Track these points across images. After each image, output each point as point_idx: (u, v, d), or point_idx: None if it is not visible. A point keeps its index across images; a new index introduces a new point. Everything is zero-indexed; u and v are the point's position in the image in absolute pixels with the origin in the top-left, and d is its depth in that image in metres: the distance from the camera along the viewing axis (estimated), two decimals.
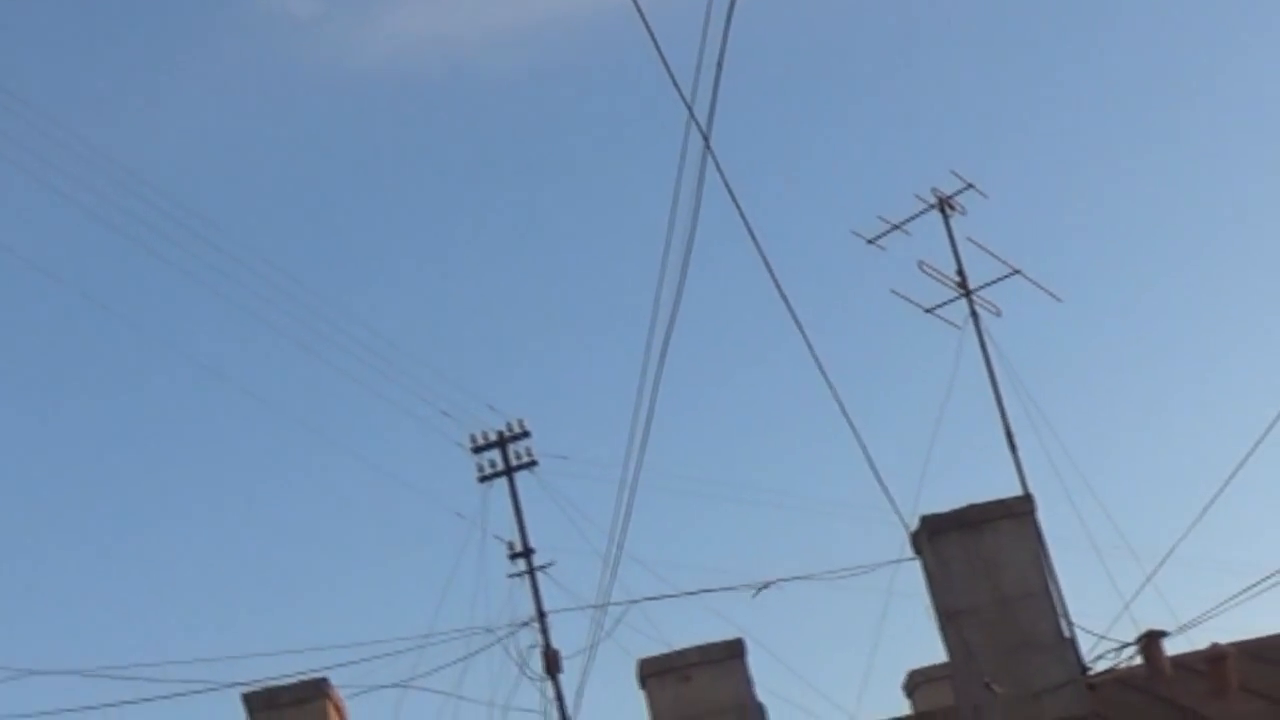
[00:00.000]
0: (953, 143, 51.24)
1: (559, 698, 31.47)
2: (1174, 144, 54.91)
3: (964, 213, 23.91)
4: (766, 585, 23.46)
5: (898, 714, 20.07)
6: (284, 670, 21.53)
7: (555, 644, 32.11)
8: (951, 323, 23.52)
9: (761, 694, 18.91)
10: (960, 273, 23.74)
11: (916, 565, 18.50)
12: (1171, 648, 18.55)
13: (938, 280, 23.63)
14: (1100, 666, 18.52)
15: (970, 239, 23.78)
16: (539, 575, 32.80)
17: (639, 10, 13.05)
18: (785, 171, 53.03)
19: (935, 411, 23.39)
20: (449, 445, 34.10)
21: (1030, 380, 23.19)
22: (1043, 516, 18.55)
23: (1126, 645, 18.53)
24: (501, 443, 33.88)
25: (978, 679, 17.24)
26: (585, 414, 49.78)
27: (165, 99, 56.19)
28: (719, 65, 13.59)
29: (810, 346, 15.53)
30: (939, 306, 23.63)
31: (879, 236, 23.54)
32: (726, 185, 14.47)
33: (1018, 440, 22.45)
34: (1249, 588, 19.42)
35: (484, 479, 33.73)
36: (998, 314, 23.71)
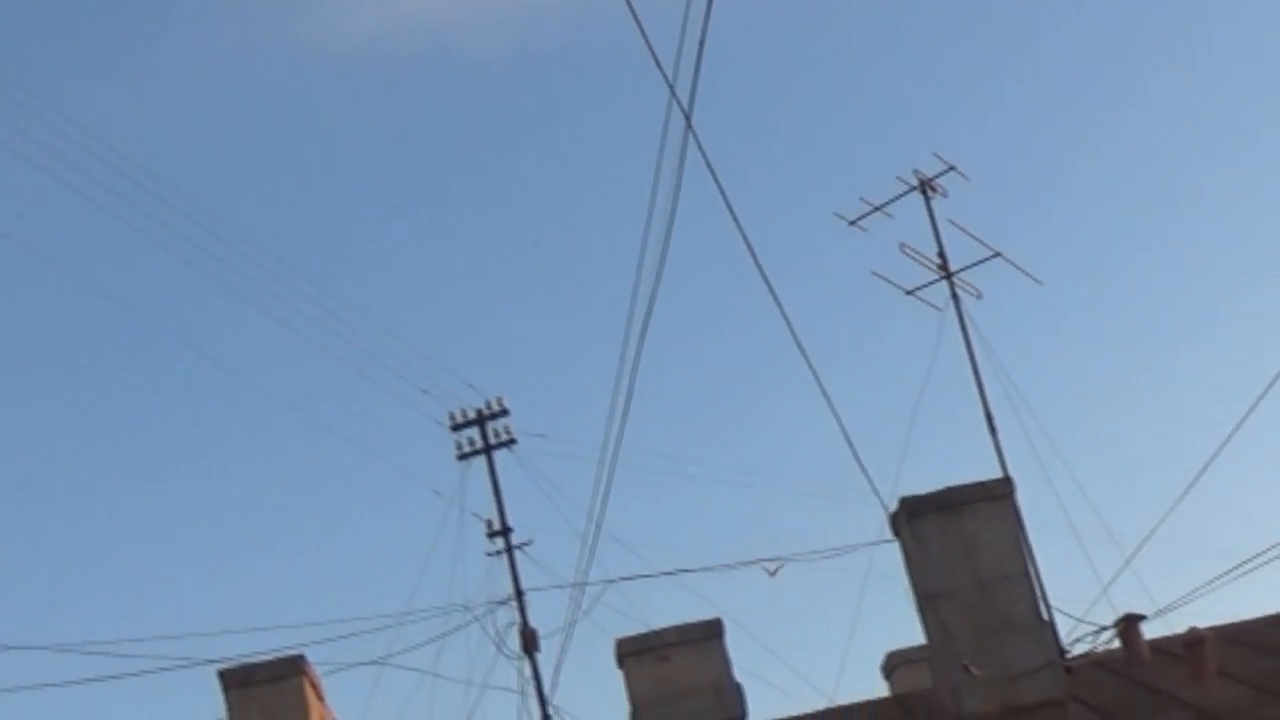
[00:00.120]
0: (935, 125, 51.31)
1: (536, 676, 31.45)
2: (1155, 128, 54.97)
3: (945, 195, 23.89)
4: (780, 567, 23.50)
5: (875, 695, 20.07)
6: (260, 647, 21.48)
7: (533, 623, 32.10)
8: (932, 305, 23.51)
9: (739, 674, 18.91)
10: (941, 255, 23.72)
11: (895, 547, 18.51)
12: (1149, 632, 18.59)
13: (919, 262, 23.62)
14: (1078, 650, 18.55)
15: (951, 221, 23.77)
16: (517, 554, 32.79)
17: None
18: (767, 152, 53.04)
19: (915, 393, 23.39)
20: (428, 423, 34.07)
21: (1010, 363, 23.20)
22: (1022, 499, 18.58)
23: (1104, 628, 18.55)
24: (480, 421, 33.84)
25: (956, 661, 17.24)
26: (564, 393, 49.81)
27: (151, 77, 56.09)
28: (701, 45, 13.54)
29: (790, 327, 15.48)
30: (920, 289, 23.62)
31: (860, 218, 23.51)
32: (708, 165, 14.42)
33: (997, 423, 22.47)
34: (1227, 572, 19.44)
35: (462, 457, 33.70)
36: (978, 296, 23.71)
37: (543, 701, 31.04)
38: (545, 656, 31.60)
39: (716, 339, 53.71)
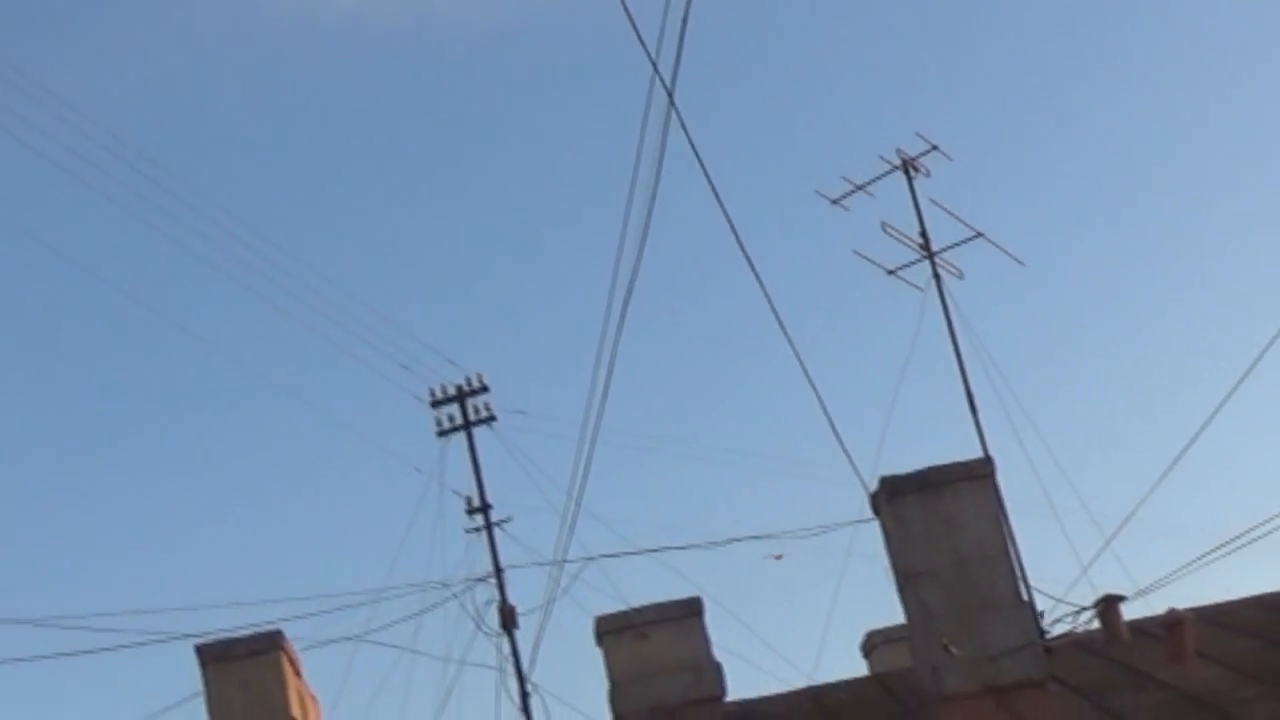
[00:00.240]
0: (918, 104, 51.29)
1: (515, 654, 31.44)
2: (1139, 110, 54.96)
3: (928, 175, 23.86)
4: (783, 554, 23.54)
5: (855, 674, 20.07)
6: (238, 622, 21.42)
7: (512, 600, 32.08)
8: (914, 285, 23.49)
9: (719, 653, 18.88)
10: (923, 235, 23.70)
11: (875, 526, 18.47)
12: (1129, 612, 18.59)
13: (901, 242, 23.59)
14: (1058, 630, 18.55)
15: (934, 201, 23.75)
16: (496, 531, 32.76)
17: None
18: (750, 130, 52.99)
19: (896, 373, 23.38)
20: (407, 399, 34.01)
21: (992, 343, 23.20)
22: (1002, 479, 18.55)
23: (1084, 609, 18.55)
24: (460, 397, 33.79)
25: (935, 640, 17.22)
26: (545, 370, 49.78)
27: (126, 48, 55.82)
28: (684, 20, 13.48)
29: (772, 305, 15.42)
30: (901, 268, 23.60)
31: (843, 197, 23.47)
32: (690, 141, 14.36)
33: (978, 403, 22.46)
34: (1207, 553, 19.45)
35: (442, 433, 33.64)
36: (960, 276, 23.69)
37: (521, 679, 31.04)
38: (524, 634, 31.60)
39: (698, 317, 53.70)
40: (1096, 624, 18.46)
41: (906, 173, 23.71)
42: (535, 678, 30.80)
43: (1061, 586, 19.57)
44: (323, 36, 55.68)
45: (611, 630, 18.95)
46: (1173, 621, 17.60)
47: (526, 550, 32.64)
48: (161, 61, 55.49)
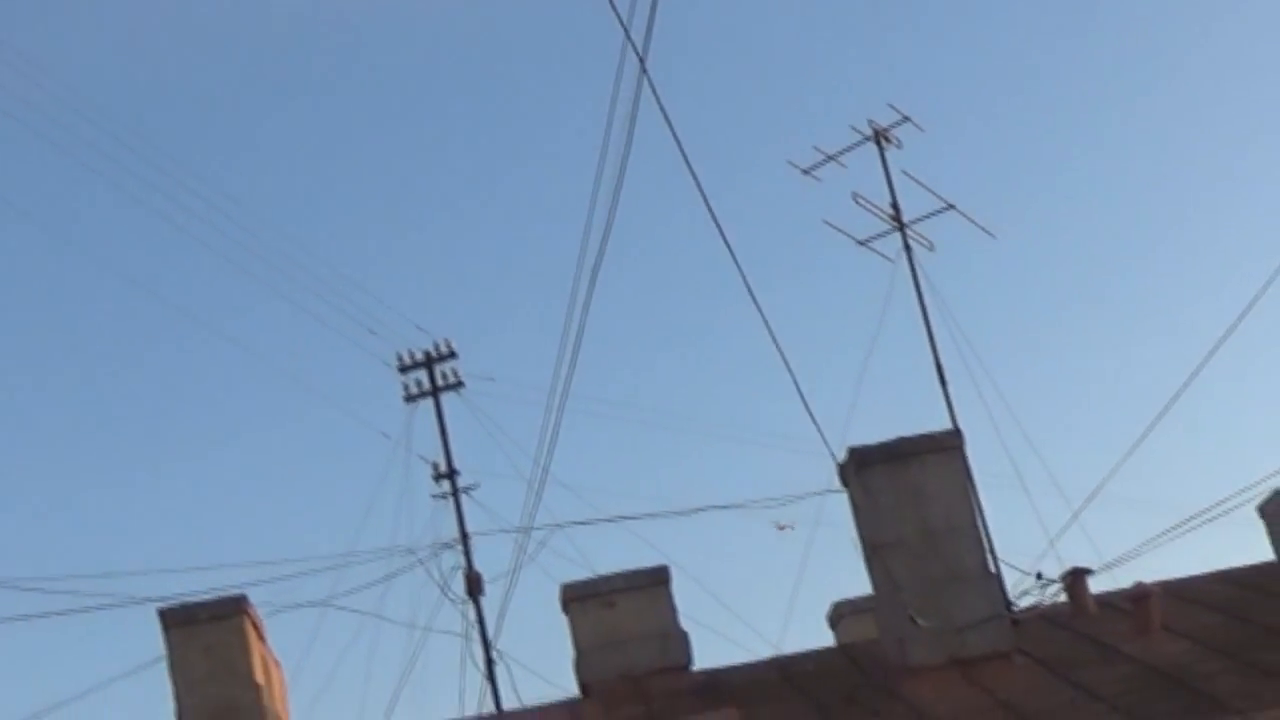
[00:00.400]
0: (890, 75, 51.22)
1: (480, 620, 31.43)
2: (1111, 81, 54.97)
3: (900, 146, 23.84)
4: (785, 526, 23.54)
5: (822, 645, 20.05)
6: (201, 586, 21.34)
7: (478, 566, 32.06)
8: (884, 256, 23.50)
9: (685, 622, 18.85)
10: (894, 206, 23.69)
11: (843, 497, 18.45)
12: (1096, 586, 18.62)
13: (871, 213, 23.58)
14: (1025, 602, 18.58)
15: (905, 172, 23.73)
16: (463, 497, 32.74)
17: None
18: (721, 98, 52.88)
19: (866, 344, 23.40)
20: (375, 364, 33.95)
21: (962, 316, 23.21)
22: (971, 451, 18.57)
23: (1051, 582, 18.57)
24: (428, 363, 33.73)
25: (902, 612, 17.22)
26: (514, 337, 49.68)
27: (96, 14, 55.51)
28: None
29: (742, 274, 15.36)
30: (872, 239, 23.60)
31: (814, 167, 23.46)
32: (662, 109, 14.30)
33: (948, 375, 22.48)
34: (1173, 528, 19.49)
35: (410, 399, 33.57)
36: (931, 249, 23.69)
37: (486, 645, 31.03)
38: (490, 601, 31.59)
39: (668, 285, 53.65)
40: (1063, 597, 18.48)
41: (878, 143, 23.69)
42: (500, 645, 30.82)
43: (1029, 559, 19.62)
44: (292, 3, 55.44)
45: (578, 598, 18.90)
46: (1139, 595, 17.62)
47: (493, 517, 32.64)
48: (117, 13, 55.19)
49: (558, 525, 28.21)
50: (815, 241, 48.47)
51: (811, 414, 16.72)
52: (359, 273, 60.71)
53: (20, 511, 48.88)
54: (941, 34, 54.93)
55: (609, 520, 27.02)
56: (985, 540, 18.15)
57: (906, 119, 23.71)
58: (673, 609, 18.84)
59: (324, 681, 36.92)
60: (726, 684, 17.95)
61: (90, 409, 54.00)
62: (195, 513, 50.37)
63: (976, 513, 18.13)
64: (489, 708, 29.68)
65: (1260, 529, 21.12)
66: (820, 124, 52.90)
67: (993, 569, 18.00)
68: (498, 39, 56.62)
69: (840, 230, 23.36)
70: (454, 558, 32.01)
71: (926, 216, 23.68)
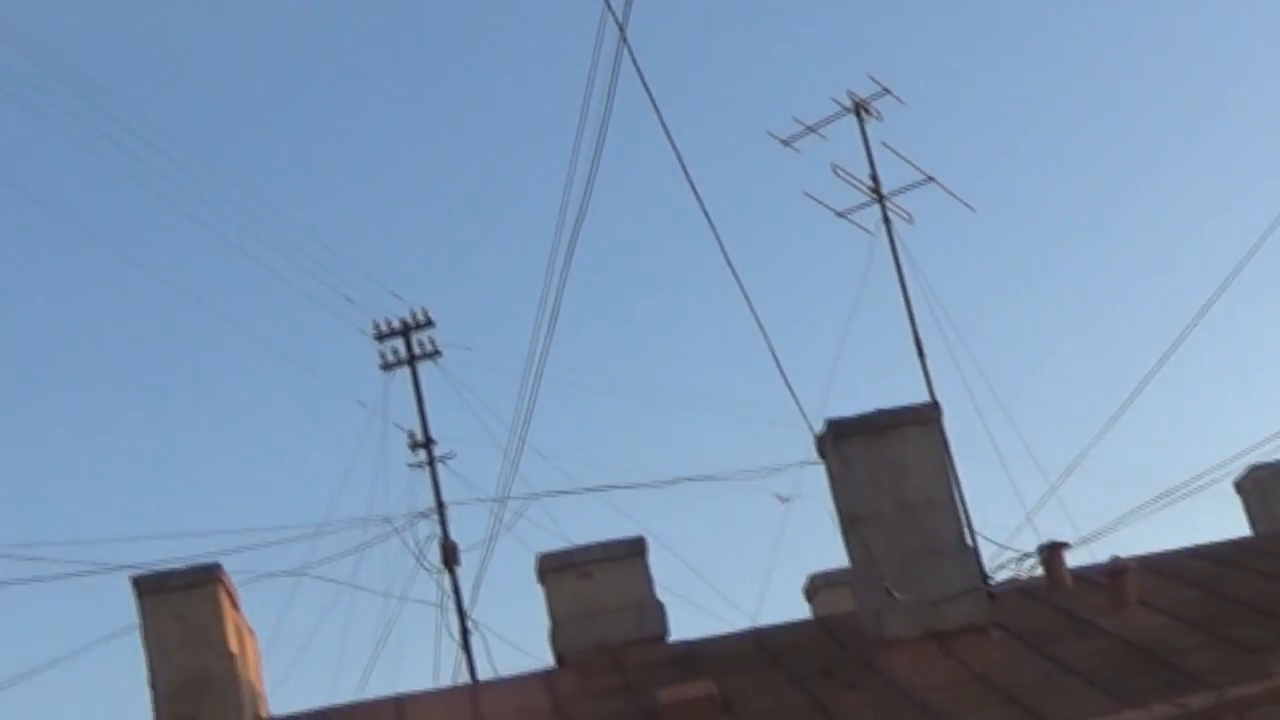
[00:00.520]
0: (871, 47, 51.17)
1: (456, 590, 31.37)
2: (1092, 54, 54.93)
3: (880, 118, 23.82)
4: (787, 497, 23.52)
5: (798, 617, 20.03)
6: (175, 554, 21.27)
7: (454, 536, 31.99)
8: (863, 228, 23.49)
9: (662, 593, 18.83)
10: (874, 178, 23.68)
11: (820, 469, 18.42)
12: (1072, 560, 18.62)
13: (851, 184, 23.56)
14: (1001, 576, 18.58)
15: (885, 144, 23.71)
16: (439, 466, 32.65)
17: None
18: (701, 69, 52.79)
19: (844, 316, 23.38)
20: (351, 331, 33.83)
21: (941, 289, 23.21)
22: (949, 425, 18.54)
23: (1028, 555, 18.56)
24: (405, 331, 33.62)
25: (878, 584, 17.20)
26: (491, 306, 49.60)
27: None
28: None
29: (721, 245, 15.36)
30: (851, 211, 23.58)
31: (793, 138, 23.42)
32: (641, 78, 14.29)
33: (926, 347, 22.49)
34: (1150, 502, 19.53)
35: (386, 367, 33.47)
36: (910, 221, 23.68)
37: (462, 615, 30.98)
38: (465, 571, 31.53)
39: (646, 255, 53.58)
40: (1040, 570, 18.48)
41: (858, 115, 23.66)
42: (476, 615, 30.76)
43: (1006, 533, 19.62)
44: None
45: (554, 569, 18.86)
46: (1116, 569, 17.62)
47: (469, 487, 32.59)
48: None
49: (534, 495, 28.19)
50: (794, 213, 48.46)
51: (789, 386, 16.71)
52: (336, 239, 60.51)
53: None
54: (923, 6, 54.85)
55: (586, 491, 27.00)
56: (962, 513, 18.14)
57: (887, 91, 23.69)
58: (649, 580, 18.82)
59: (298, 651, 36.83)
60: (702, 655, 17.92)
61: (66, 376, 53.86)
62: (169, 480, 50.26)
63: (954, 486, 18.11)
64: (464, 678, 29.65)
65: (1236, 504, 21.17)
66: (800, 95, 52.94)
67: (969, 542, 17.98)
68: (476, 4, 56.46)
69: (819, 202, 23.35)
70: (430, 527, 31.96)
71: (906, 189, 23.68)
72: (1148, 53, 55.02)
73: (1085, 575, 18.25)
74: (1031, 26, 55.47)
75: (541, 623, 18.75)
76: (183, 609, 17.29)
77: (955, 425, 18.82)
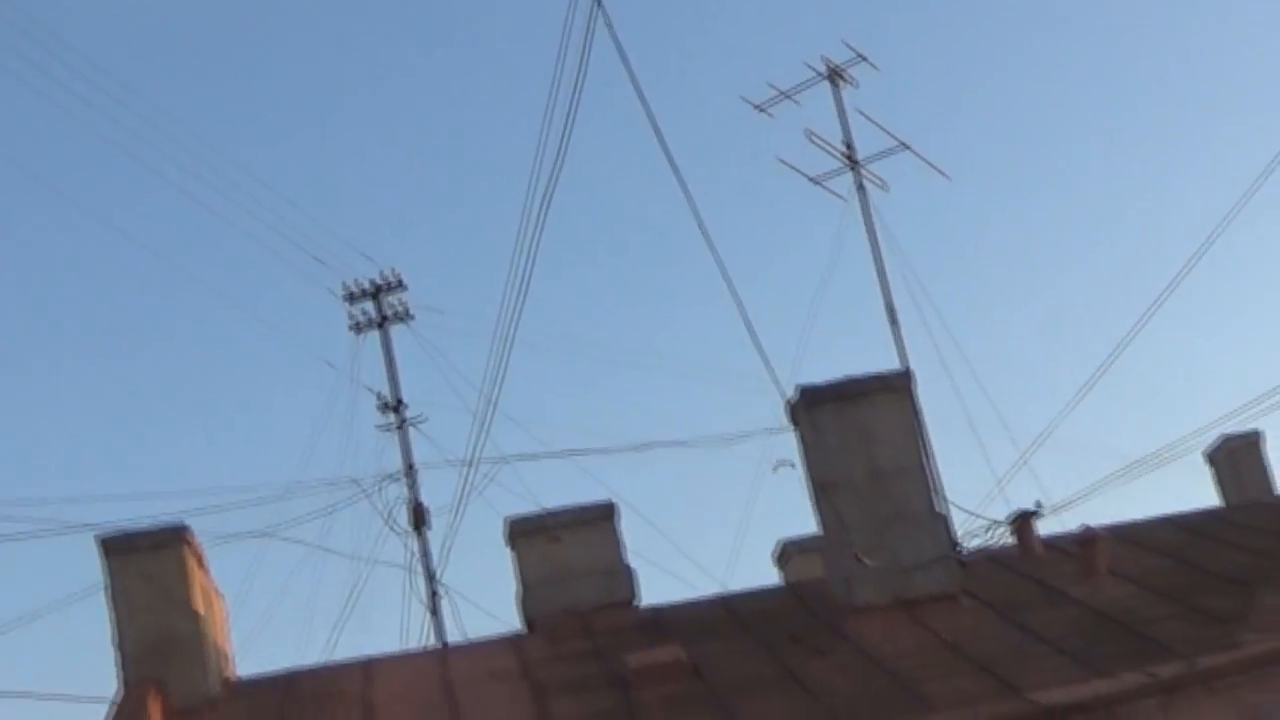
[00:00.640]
0: (847, 13, 51.06)
1: (425, 553, 31.32)
2: (1067, 25, 54.92)
3: (855, 85, 23.79)
4: (783, 463, 23.49)
5: (768, 584, 20.01)
6: (142, 514, 21.17)
7: (423, 499, 31.91)
8: (837, 194, 23.47)
9: (631, 558, 18.79)
10: (848, 144, 23.66)
11: (792, 436, 18.38)
12: (1043, 528, 18.61)
13: (825, 150, 23.53)
14: (972, 544, 18.55)
15: (860, 111, 23.67)
16: (410, 429, 32.56)
17: None
18: (676, 33, 52.64)
19: (817, 283, 23.37)
20: (321, 292, 33.67)
21: (915, 257, 23.25)
22: (921, 393, 18.50)
23: (999, 524, 18.55)
24: (376, 293, 33.48)
25: (849, 551, 17.17)
26: (463, 268, 49.49)
27: None
28: None
29: (695, 210, 15.32)
30: (825, 177, 23.56)
31: (768, 104, 23.37)
32: (615, 42, 14.24)
33: (899, 315, 22.47)
34: (1121, 472, 19.54)
35: (356, 329, 33.34)
36: (884, 188, 23.66)
37: (430, 578, 30.93)
38: (435, 534, 31.46)
39: (619, 219, 53.53)
40: (1011, 539, 18.48)
41: (833, 82, 23.63)
42: (445, 578, 30.71)
43: (977, 501, 19.61)
44: None
45: (523, 532, 18.81)
46: (1086, 538, 17.63)
47: (439, 450, 32.50)
48: None
49: (505, 459, 28.16)
50: (768, 179, 48.46)
51: (762, 352, 16.69)
52: (306, 198, 60.30)
53: None
54: None
55: (556, 455, 27.00)
56: (933, 481, 18.11)
57: (862, 58, 23.64)
58: (619, 545, 18.77)
59: (266, 613, 36.80)
60: (672, 621, 17.89)
61: (32, 334, 53.65)
62: (135, 440, 50.13)
63: (925, 454, 18.08)
64: (432, 641, 29.63)
65: (1207, 474, 21.21)
66: (775, 61, 52.78)
67: (940, 510, 17.96)
68: None
69: (793, 168, 23.31)
70: (399, 490, 31.89)
71: (880, 156, 23.66)
72: (1123, 21, 55.03)
73: (1056, 544, 18.25)
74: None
75: (511, 586, 18.72)
76: (150, 569, 17.20)
77: (927, 393, 18.82)
